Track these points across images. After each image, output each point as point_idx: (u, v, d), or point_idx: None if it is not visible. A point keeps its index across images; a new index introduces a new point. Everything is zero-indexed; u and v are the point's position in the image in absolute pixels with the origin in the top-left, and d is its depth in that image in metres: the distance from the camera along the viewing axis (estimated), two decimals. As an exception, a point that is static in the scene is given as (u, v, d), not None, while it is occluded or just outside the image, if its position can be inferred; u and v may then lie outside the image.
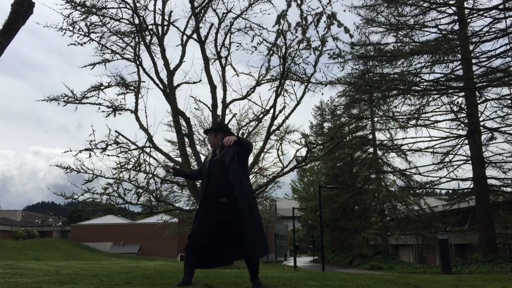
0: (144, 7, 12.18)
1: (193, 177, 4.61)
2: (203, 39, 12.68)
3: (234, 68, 13.13)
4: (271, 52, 9.50)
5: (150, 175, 12.20)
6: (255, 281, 4.14)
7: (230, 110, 13.34)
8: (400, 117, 20.40)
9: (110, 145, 11.97)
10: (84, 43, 11.91)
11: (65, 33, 11.62)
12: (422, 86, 18.04)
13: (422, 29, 18.80)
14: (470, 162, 18.94)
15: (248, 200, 4.10)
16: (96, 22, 11.95)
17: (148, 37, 12.49)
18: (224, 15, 12.61)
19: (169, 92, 12.39)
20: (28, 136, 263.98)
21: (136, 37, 12.48)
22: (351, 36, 6.80)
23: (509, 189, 19.38)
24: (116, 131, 11.98)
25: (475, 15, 17.59)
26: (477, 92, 18.21)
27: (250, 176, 19.31)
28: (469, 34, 17.45)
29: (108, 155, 11.98)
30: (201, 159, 13.04)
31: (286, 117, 12.49)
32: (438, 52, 16.43)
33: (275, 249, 54.44)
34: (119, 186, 11.65)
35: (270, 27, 11.79)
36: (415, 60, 18.27)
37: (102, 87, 12.25)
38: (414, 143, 21.57)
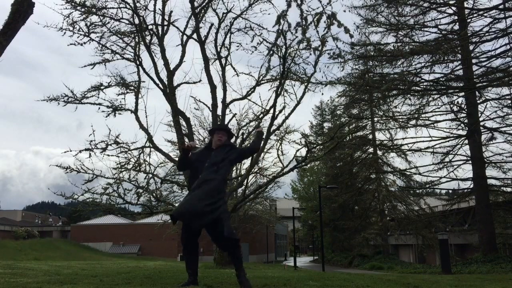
0: (144, 7, 12.18)
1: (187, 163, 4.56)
2: (203, 39, 12.68)
3: (234, 68, 13.15)
4: (271, 52, 9.47)
5: (150, 175, 12.19)
6: (241, 279, 4.12)
7: (230, 110, 13.36)
8: (400, 117, 20.42)
9: (110, 145, 11.96)
10: (84, 43, 11.91)
11: (65, 33, 11.62)
12: (422, 86, 18.05)
13: (422, 29, 18.81)
14: (470, 162, 18.95)
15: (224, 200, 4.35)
16: (96, 22, 11.94)
17: (148, 37, 12.48)
18: (224, 15, 12.61)
19: (169, 92, 12.39)
20: (28, 136, 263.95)
21: (136, 37, 12.47)
22: (351, 36, 6.80)
23: (509, 189, 19.39)
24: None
25: (475, 15, 17.60)
26: (477, 92, 18.21)
27: (250, 176, 19.37)
28: (469, 34, 17.46)
29: (108, 155, 11.97)
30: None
31: (286, 117, 12.47)
32: (438, 52, 16.44)
33: (275, 249, 54.44)
34: (119, 186, 11.64)
35: (270, 27, 11.81)
36: (415, 60, 18.30)
37: (102, 87, 12.24)
38: (414, 143, 21.63)
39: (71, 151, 11.53)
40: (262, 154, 15.03)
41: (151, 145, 12.28)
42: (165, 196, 14.10)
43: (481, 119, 18.52)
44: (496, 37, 16.51)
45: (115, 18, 12.03)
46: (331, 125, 37.94)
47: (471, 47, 17.84)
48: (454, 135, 19.87)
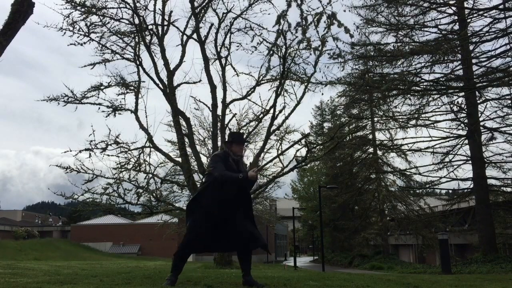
0: (144, 7, 12.19)
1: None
2: (203, 39, 12.68)
3: (234, 68, 13.15)
4: (271, 52, 9.50)
5: (150, 175, 12.20)
6: (247, 278, 4.32)
7: (230, 110, 13.36)
8: (400, 117, 20.40)
9: (110, 145, 11.98)
10: (84, 43, 11.92)
11: (65, 33, 11.63)
12: (422, 86, 18.03)
13: (422, 29, 18.80)
14: (470, 162, 18.94)
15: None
16: (96, 22, 11.96)
17: (148, 37, 12.49)
18: (224, 15, 12.62)
19: (169, 92, 12.39)
20: (28, 136, 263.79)
21: (136, 37, 12.47)
22: (351, 36, 6.83)
23: (509, 189, 19.38)
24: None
25: (475, 15, 17.59)
26: (477, 92, 18.20)
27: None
28: (469, 34, 17.45)
29: (108, 155, 11.99)
30: (201, 159, 13.05)
31: (286, 117, 12.49)
32: (438, 52, 16.42)
33: (275, 249, 54.42)
34: (119, 186, 11.66)
35: (270, 27, 11.81)
36: (415, 60, 18.27)
37: (102, 87, 12.25)
38: (414, 143, 21.59)
39: (71, 151, 11.56)
40: (262, 154, 14.99)
41: (151, 145, 12.29)
42: (165, 196, 14.08)
43: (481, 119, 18.51)
44: (496, 37, 16.50)
45: (115, 18, 12.05)
46: (331, 125, 37.93)
47: (471, 47, 17.83)
48: (454, 135, 19.86)
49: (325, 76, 15.72)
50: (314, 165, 37.93)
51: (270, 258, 44.47)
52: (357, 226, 30.61)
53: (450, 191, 23.97)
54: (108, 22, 12.04)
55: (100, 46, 12.24)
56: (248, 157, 15.40)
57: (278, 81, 12.02)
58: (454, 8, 18.39)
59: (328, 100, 41.43)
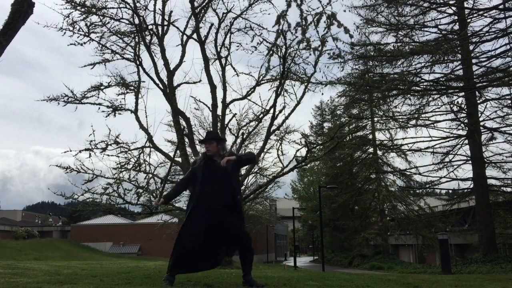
0: (144, 7, 12.18)
1: (180, 192, 4.83)
2: (203, 39, 12.67)
3: (234, 68, 13.14)
4: (271, 52, 9.50)
5: (150, 175, 12.19)
6: (247, 278, 4.34)
7: (230, 110, 13.34)
8: (400, 117, 20.41)
9: (110, 145, 11.97)
10: (84, 43, 11.91)
11: (65, 33, 11.62)
12: (422, 86, 18.03)
13: (422, 29, 18.80)
14: (470, 162, 18.95)
15: (242, 206, 4.62)
16: (96, 22, 11.95)
17: (148, 37, 12.48)
18: (224, 15, 12.61)
19: (169, 92, 12.39)
20: (29, 136, 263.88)
21: (136, 37, 12.46)
22: (351, 36, 6.82)
23: (509, 189, 19.39)
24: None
25: (475, 15, 17.60)
26: (477, 92, 18.21)
27: (250, 176, 19.39)
28: (469, 34, 17.45)
29: (108, 155, 11.98)
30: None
31: (286, 117, 12.48)
32: (438, 52, 16.43)
33: (275, 249, 54.43)
34: (119, 186, 11.64)
35: (270, 27, 11.80)
36: (415, 60, 18.29)
37: (102, 87, 12.24)
38: (414, 143, 21.61)
39: (71, 151, 11.55)
40: (262, 154, 15.00)
41: (151, 145, 12.28)
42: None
43: (481, 119, 18.52)
44: (496, 37, 16.50)
45: (115, 18, 12.04)
46: (331, 125, 37.95)
47: (471, 47, 17.83)
48: (454, 135, 19.87)
49: (325, 76, 15.76)
50: (314, 165, 37.95)
51: (270, 258, 44.50)
52: (357, 226, 30.61)
53: (450, 191, 24.01)
54: (108, 22, 12.05)
55: (100, 46, 12.24)
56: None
57: (278, 81, 12.01)
58: (454, 8, 18.40)
59: (328, 100, 41.52)
